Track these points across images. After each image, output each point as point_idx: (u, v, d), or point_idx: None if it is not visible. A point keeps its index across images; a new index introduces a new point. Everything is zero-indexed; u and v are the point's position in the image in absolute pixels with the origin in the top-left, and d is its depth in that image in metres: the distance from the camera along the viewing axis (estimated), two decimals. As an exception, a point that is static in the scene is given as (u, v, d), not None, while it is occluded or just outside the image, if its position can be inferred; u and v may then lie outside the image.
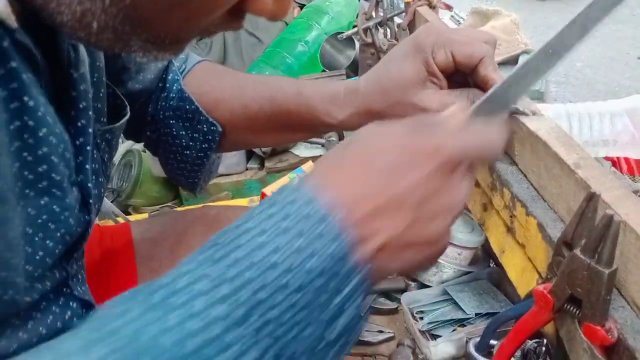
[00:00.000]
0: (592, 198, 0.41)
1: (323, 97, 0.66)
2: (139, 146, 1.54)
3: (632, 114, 1.01)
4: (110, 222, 1.20)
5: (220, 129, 0.72)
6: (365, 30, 1.21)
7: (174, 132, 0.74)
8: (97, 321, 0.32)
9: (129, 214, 1.53)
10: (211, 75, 0.76)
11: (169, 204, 1.60)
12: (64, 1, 0.35)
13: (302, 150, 1.47)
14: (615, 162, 1.04)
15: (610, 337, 0.39)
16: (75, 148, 0.48)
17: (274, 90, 0.69)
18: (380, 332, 1.05)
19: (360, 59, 1.30)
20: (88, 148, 0.49)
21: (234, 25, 0.41)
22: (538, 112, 0.57)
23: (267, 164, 1.46)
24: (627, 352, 0.39)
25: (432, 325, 1.02)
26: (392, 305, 1.13)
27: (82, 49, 0.48)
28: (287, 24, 1.96)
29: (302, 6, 2.12)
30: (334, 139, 1.39)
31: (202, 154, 0.75)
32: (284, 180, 1.22)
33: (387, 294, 1.15)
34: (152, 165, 1.49)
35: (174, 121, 0.74)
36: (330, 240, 0.34)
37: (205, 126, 0.72)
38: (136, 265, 0.78)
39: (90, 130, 0.50)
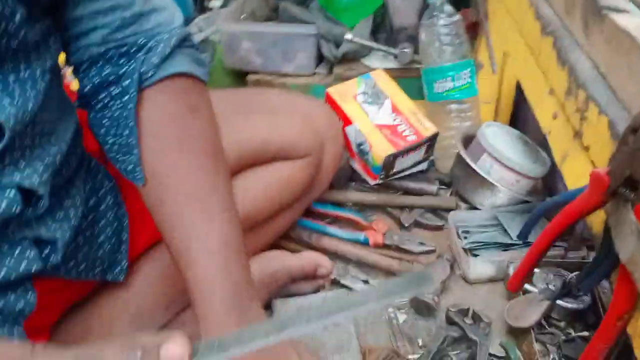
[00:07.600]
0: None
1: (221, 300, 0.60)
2: (215, 37, 1.54)
3: None
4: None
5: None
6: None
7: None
8: None
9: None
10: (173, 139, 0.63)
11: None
12: None
13: (373, 61, 1.44)
14: None
15: (662, 223, 0.38)
16: None
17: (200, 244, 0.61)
18: (422, 244, 1.04)
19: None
20: None
21: None
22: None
23: (337, 70, 1.44)
24: (677, 242, 0.37)
25: (475, 244, 1.01)
26: (438, 222, 1.12)
27: None
28: None
29: None
30: (407, 50, 1.35)
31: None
32: (351, 82, 1.20)
33: (435, 211, 1.14)
34: (224, 57, 1.50)
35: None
36: None
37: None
38: None
39: None
